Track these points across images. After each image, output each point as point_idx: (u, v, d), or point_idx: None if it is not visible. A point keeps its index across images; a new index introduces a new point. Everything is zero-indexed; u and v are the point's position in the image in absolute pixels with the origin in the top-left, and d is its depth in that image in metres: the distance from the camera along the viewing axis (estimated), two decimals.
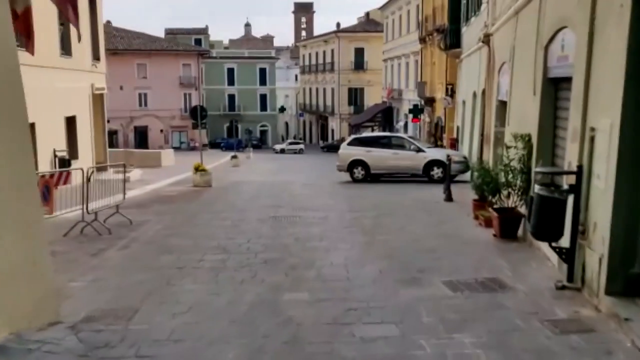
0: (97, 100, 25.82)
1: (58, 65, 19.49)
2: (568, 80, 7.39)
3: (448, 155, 18.74)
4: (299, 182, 22.15)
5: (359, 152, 21.60)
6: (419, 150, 21.01)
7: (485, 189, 10.15)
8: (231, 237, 9.81)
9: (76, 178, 19.49)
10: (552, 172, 7.33)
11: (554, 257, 7.11)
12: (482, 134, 18.27)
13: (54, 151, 18.64)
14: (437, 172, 20.63)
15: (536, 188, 6.71)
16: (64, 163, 18.47)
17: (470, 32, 23.80)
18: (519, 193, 9.20)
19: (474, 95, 21.85)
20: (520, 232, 9.35)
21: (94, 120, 26.03)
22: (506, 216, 9.28)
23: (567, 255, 6.51)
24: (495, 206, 9.84)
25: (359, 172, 21.59)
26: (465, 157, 21.21)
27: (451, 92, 31.95)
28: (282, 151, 62.40)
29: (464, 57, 26.88)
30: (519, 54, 10.61)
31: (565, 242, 6.56)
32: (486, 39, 16.07)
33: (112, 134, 63.36)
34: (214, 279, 7.23)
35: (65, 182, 12.73)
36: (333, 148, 48.74)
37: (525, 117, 9.54)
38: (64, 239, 9.94)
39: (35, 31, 7.80)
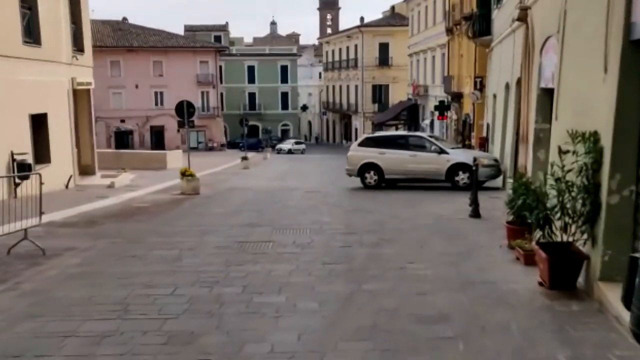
0: (82, 96, 23.22)
1: (21, 55, 16.84)
2: None
3: (475, 158, 15.58)
4: (304, 188, 19.17)
5: (372, 154, 18.51)
6: (441, 151, 17.82)
7: (528, 216, 6.97)
8: (153, 285, 6.81)
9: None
10: None
11: None
12: (517, 133, 15.05)
13: (12, 154, 15.99)
14: (462, 177, 17.44)
15: None
16: (24, 168, 15.81)
17: (502, 16, 20.53)
18: (580, 222, 6.05)
19: (507, 87, 18.59)
20: (580, 279, 6.22)
21: (79, 118, 23.50)
22: (560, 258, 6.13)
23: None
24: (542, 240, 6.68)
25: (371, 178, 18.51)
26: (496, 160, 17.97)
27: (480, 85, 28.59)
28: (290, 152, 58.95)
29: (494, 45, 23.57)
30: (575, 18, 7.44)
31: None
32: (523, 14, 12.86)
33: (128, 134, 61.62)
34: None
35: None
36: None
37: (587, 107, 6.40)
38: None
39: None
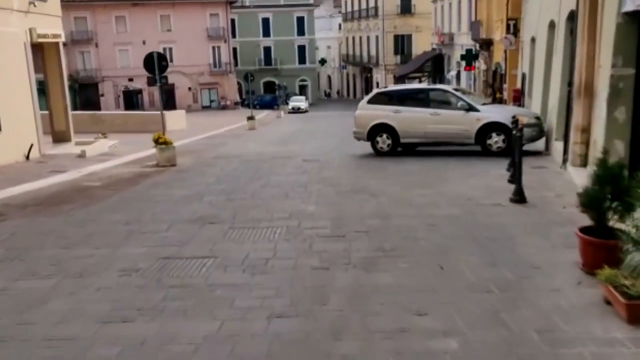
0: (50, 52, 20.06)
1: None
2: None
3: (514, 117, 12.10)
4: (303, 155, 15.93)
5: (384, 113, 15.09)
6: (469, 108, 14.30)
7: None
8: None
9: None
10: None
11: None
12: (569, 83, 11.49)
13: None
14: (496, 140, 13.97)
15: None
16: None
17: None
18: None
19: (552, 25, 14.92)
20: None
21: (48, 78, 20.40)
22: None
23: None
24: None
25: (383, 142, 15.14)
26: (537, 118, 14.42)
27: (514, 29, 24.70)
28: (299, 110, 54.19)
29: None
30: None
31: None
32: None
33: (137, 93, 58.66)
34: None
35: None
36: None
37: None
38: None
39: None
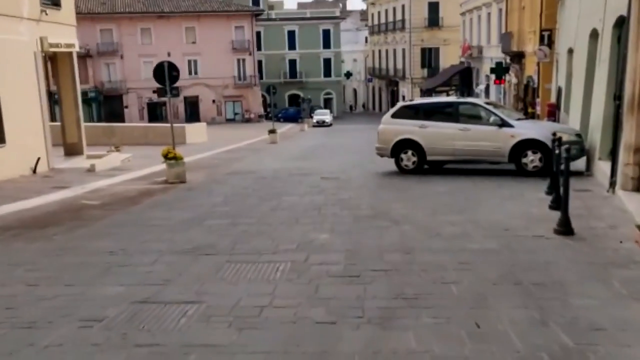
0: (64, 62, 19.40)
1: None
2: None
3: (554, 134, 10.90)
4: (322, 172, 14.87)
5: (409, 129, 13.97)
6: (503, 124, 13.09)
7: None
8: None
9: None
10: None
11: None
12: (618, 96, 10.24)
13: None
14: (532, 159, 12.72)
15: None
16: None
17: None
18: None
19: (594, 34, 13.68)
20: None
21: (61, 89, 19.72)
22: None
23: None
24: None
25: (408, 160, 14.01)
26: (578, 135, 13.15)
27: (548, 40, 23.42)
28: (323, 123, 52.75)
29: None
30: None
31: None
32: None
33: (161, 105, 58.17)
34: None
35: None
36: None
37: None
38: None
39: None
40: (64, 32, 18.59)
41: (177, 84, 14.57)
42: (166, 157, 14.25)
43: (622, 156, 9.53)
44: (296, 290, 5.31)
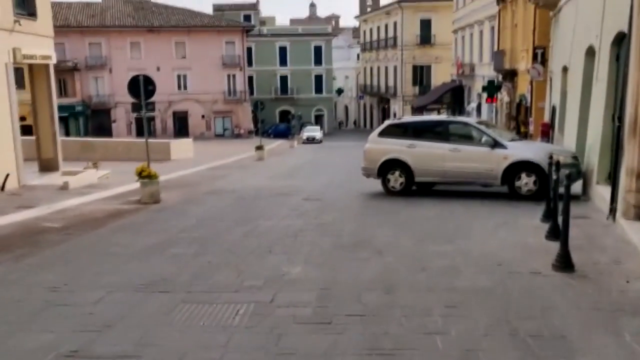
0: (39, 74, 18.64)
1: None
2: None
3: (551, 155, 10.22)
4: (305, 192, 14.13)
5: (397, 148, 13.27)
6: (495, 144, 12.41)
7: None
8: None
9: None
10: None
11: None
12: (619, 117, 9.58)
13: None
14: (526, 182, 12.02)
15: None
16: None
17: None
18: None
19: (590, 51, 13.07)
20: None
21: (36, 102, 18.91)
22: None
23: None
24: None
25: (395, 181, 13.28)
26: (575, 157, 12.47)
27: (542, 58, 22.90)
28: (313, 140, 52.16)
29: (564, 4, 17.96)
30: None
31: None
32: None
33: (150, 120, 57.21)
34: None
35: None
36: None
37: None
38: None
39: None
40: (40, 43, 17.84)
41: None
42: (140, 175, 13.45)
43: (624, 182, 8.83)
44: (254, 341, 4.52)
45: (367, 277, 6.33)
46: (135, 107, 13.53)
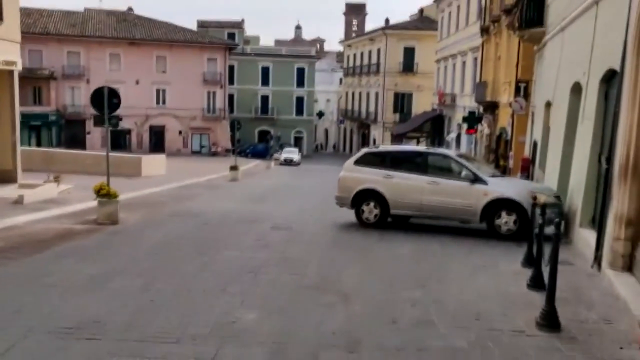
0: (2, 79, 17.69)
1: None
2: None
3: (533, 194, 9.60)
4: (275, 219, 13.35)
5: (373, 178, 12.61)
6: (475, 179, 11.81)
7: None
8: None
9: None
10: None
11: None
12: (607, 158, 9.03)
13: None
14: (506, 221, 11.41)
15: None
16: None
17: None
18: None
19: (576, 88, 12.60)
20: None
21: None
22: None
23: None
24: None
25: (370, 212, 12.59)
26: (558, 197, 11.90)
27: (524, 92, 22.55)
28: (291, 162, 51.47)
29: (549, 39, 17.62)
30: None
31: None
32: None
33: (125, 133, 56.02)
34: None
35: None
36: None
37: None
38: None
39: None
40: (5, 49, 16.97)
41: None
42: (98, 193, 12.58)
43: (611, 229, 8.22)
44: None
45: (329, 329, 5.57)
46: (97, 120, 12.66)
